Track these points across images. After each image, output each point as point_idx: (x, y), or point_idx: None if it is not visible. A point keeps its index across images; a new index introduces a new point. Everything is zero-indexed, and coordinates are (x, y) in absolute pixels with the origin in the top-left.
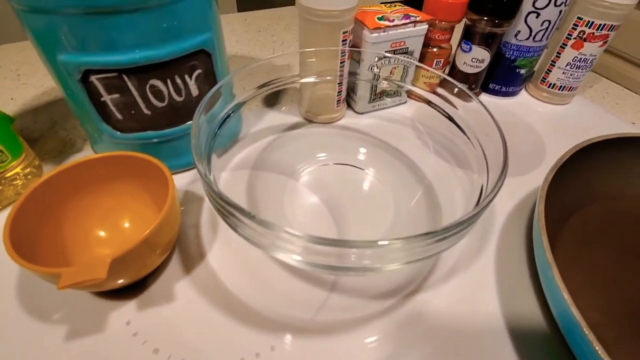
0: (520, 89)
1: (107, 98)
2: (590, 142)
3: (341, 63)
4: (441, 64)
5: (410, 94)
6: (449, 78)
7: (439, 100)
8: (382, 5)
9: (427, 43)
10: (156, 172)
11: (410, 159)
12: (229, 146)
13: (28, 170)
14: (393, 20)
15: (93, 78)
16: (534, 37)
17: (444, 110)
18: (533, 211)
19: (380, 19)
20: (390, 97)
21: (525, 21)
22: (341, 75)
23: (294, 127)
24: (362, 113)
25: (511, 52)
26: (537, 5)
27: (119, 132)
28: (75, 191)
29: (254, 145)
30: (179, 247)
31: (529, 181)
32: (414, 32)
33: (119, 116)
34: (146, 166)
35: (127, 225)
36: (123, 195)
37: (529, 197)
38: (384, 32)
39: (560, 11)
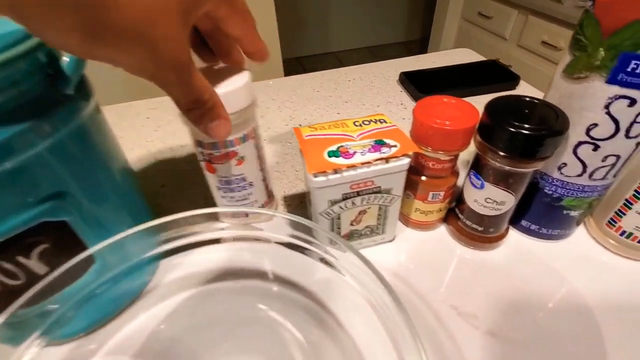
0: (572, 232)
1: None
2: None
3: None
4: (441, 197)
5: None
6: None
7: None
8: (347, 122)
9: (417, 169)
10: None
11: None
12: (123, 308)
13: None
14: (353, 155)
15: None
16: (590, 175)
17: None
18: None
19: (332, 154)
20: (366, 237)
21: (575, 153)
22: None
23: (219, 276)
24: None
25: (553, 188)
26: (595, 134)
27: None
28: None
29: (158, 307)
30: None
31: None
32: (388, 170)
33: None
34: None
35: None
36: None
37: None
38: (337, 174)
39: (638, 144)
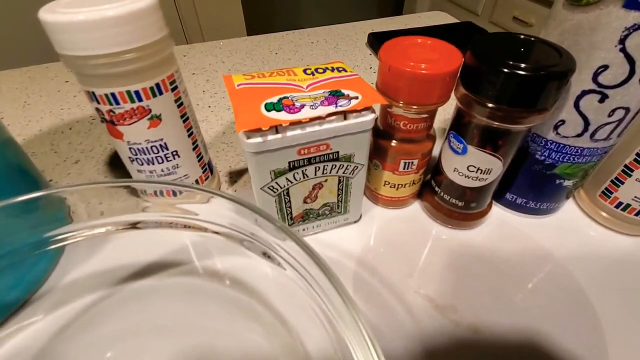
0: (562, 205)
1: None
2: None
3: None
4: (415, 167)
5: (375, 198)
6: None
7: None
8: (295, 70)
9: (385, 132)
10: None
11: None
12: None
13: None
14: (300, 108)
15: None
16: (592, 134)
17: None
18: None
19: (272, 107)
20: (326, 218)
21: (577, 106)
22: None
23: (143, 272)
24: None
25: (546, 153)
26: (604, 80)
27: None
28: None
29: (50, 318)
30: None
31: None
32: (347, 128)
33: None
34: None
35: None
36: None
37: None
38: (278, 134)
39: None
